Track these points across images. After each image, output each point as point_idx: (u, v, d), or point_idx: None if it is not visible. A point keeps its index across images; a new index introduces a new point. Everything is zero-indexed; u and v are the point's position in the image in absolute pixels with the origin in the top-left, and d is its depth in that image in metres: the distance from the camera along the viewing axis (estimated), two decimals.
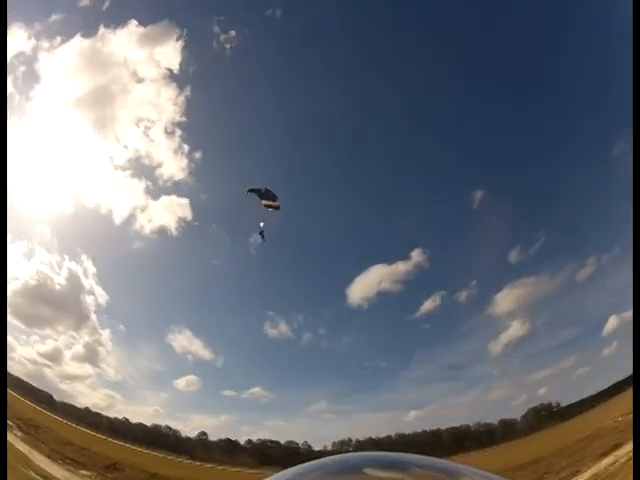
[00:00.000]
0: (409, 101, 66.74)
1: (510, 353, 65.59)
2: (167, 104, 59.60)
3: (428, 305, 61.50)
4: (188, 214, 60.46)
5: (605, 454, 24.72)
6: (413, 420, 61.64)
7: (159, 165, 60.10)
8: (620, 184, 65.33)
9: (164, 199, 61.17)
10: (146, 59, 58.34)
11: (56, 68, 55.55)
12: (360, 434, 61.82)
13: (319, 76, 64.95)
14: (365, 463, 3.83)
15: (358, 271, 63.50)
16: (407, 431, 60.96)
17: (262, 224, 32.60)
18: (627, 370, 61.93)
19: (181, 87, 58.69)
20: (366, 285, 62.20)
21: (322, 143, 67.14)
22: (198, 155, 61.00)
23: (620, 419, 34.33)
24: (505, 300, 64.50)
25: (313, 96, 66.43)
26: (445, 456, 50.83)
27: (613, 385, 58.39)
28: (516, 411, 66.00)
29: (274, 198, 31.28)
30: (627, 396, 46.78)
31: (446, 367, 71.57)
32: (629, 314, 59.77)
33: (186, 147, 59.98)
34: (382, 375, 66.26)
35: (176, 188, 61.15)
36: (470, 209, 62.62)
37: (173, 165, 60.84)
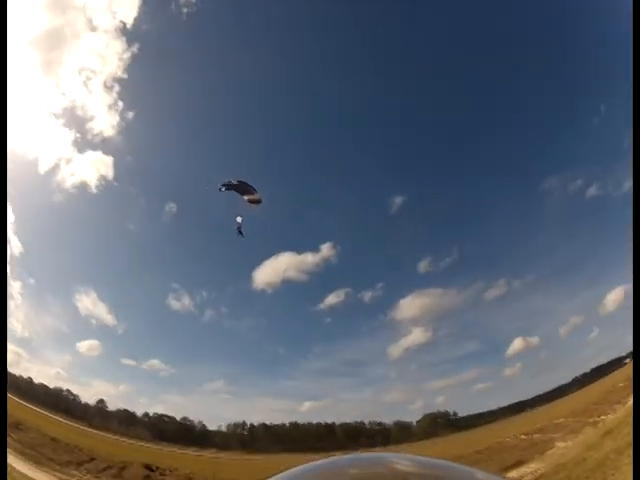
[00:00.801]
0: (334, 99, 66.68)
1: (409, 358, 66.64)
2: (113, 57, 57.39)
3: (332, 299, 62.00)
4: (110, 173, 58.81)
5: (505, 470, 22.54)
6: (307, 411, 62.00)
7: (91, 119, 58.19)
8: (541, 215, 68.76)
9: (89, 154, 59.15)
10: (104, 8, 56.30)
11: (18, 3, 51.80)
12: (255, 419, 62.13)
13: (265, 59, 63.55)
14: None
15: (267, 255, 63.82)
16: (301, 421, 61.47)
17: (239, 219, 29.78)
18: (529, 392, 66.14)
19: (130, 43, 56.67)
20: (272, 270, 62.16)
21: (253, 127, 66.86)
22: (131, 115, 59.04)
23: (523, 437, 32.21)
24: (409, 306, 66.07)
25: (255, 78, 63.36)
26: (338, 451, 50.28)
27: (515, 404, 60.16)
28: (412, 415, 67.86)
29: (253, 191, 28.39)
30: (530, 416, 48.57)
31: (344, 363, 72.37)
32: (536, 339, 65.71)
33: (121, 104, 58.28)
34: (280, 362, 66.92)
35: (103, 145, 59.12)
36: (388, 213, 63.87)
37: (105, 121, 59.09)
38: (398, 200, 61.34)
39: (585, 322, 72.65)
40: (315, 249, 61.32)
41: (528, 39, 63.16)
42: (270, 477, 3.12)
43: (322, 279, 63.32)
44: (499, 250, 68.39)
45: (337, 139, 69.67)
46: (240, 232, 30.10)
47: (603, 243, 74.89)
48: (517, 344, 60.95)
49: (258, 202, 28.48)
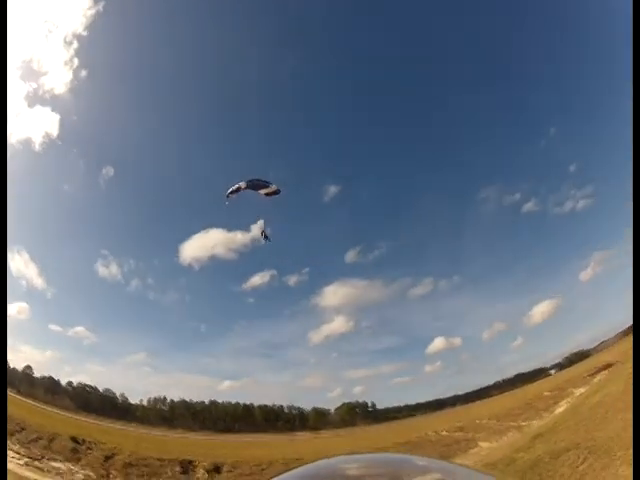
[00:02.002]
0: (278, 81, 67.22)
1: (330, 345, 67.66)
2: (77, 13, 55.21)
3: (257, 280, 62.07)
4: (55, 131, 56.41)
5: None
6: (227, 390, 61.71)
7: (45, 73, 55.72)
8: (475, 220, 71.14)
9: (38, 109, 56.53)
10: None
11: None
12: (175, 394, 61.28)
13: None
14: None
15: (196, 230, 63.36)
16: (220, 399, 60.87)
17: (262, 222, 27.86)
18: (449, 390, 68.24)
19: (96, 0, 54.42)
20: (201, 245, 61.39)
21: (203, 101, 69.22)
22: (84, 74, 56.56)
23: (444, 434, 31.51)
24: (334, 295, 66.43)
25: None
26: (257, 433, 52.21)
27: (434, 401, 61.17)
28: (330, 402, 67.69)
29: (267, 184, 25.91)
30: (450, 414, 49.18)
31: (264, 344, 72.42)
32: (458, 340, 68.13)
33: (76, 62, 55.61)
34: (201, 338, 66.67)
35: (53, 101, 56.80)
36: (321, 201, 64.17)
37: (58, 77, 58.29)
38: (333, 189, 62.29)
39: (509, 329, 76.08)
40: (245, 228, 60.04)
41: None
42: (273, 477, 2.96)
43: (249, 259, 62.98)
44: (429, 249, 69.77)
45: (276, 121, 70.93)
46: (266, 237, 27.21)
47: (535, 256, 78.77)
48: (438, 343, 62.74)
49: (276, 193, 25.77)
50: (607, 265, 66.86)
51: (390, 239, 65.55)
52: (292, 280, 63.12)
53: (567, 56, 64.81)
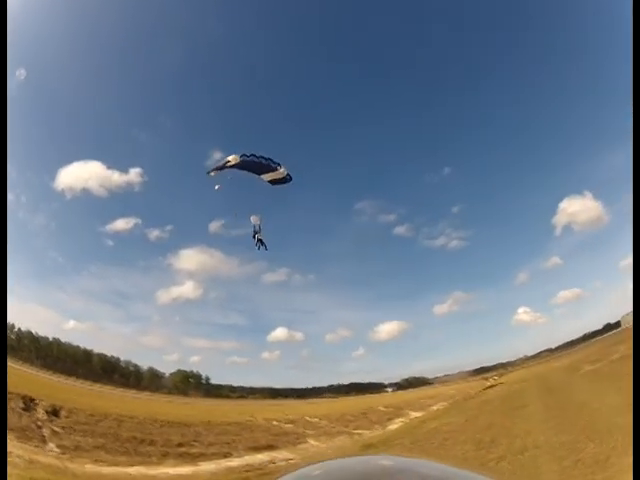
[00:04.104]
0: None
1: (176, 308, 68.35)
2: None
3: (120, 225, 62.28)
4: None
5: (255, 449, 20.72)
6: (71, 330, 59.84)
7: None
8: (345, 227, 79.59)
9: None
10: None
11: None
12: (24, 324, 57.20)
13: None
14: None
15: (79, 158, 61.65)
16: (64, 339, 57.28)
17: (257, 222, 19.43)
18: (284, 382, 70.09)
19: None
20: (77, 175, 59.88)
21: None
22: None
23: (275, 423, 31.03)
24: (189, 259, 69.59)
25: None
26: (94, 382, 49.47)
27: (268, 389, 62.22)
28: (166, 366, 66.96)
29: (272, 165, 18.55)
30: (282, 405, 49.53)
31: (115, 292, 73.23)
32: (300, 335, 71.04)
33: None
34: (58, 271, 67.92)
35: None
36: (202, 164, 64.21)
37: None
38: (217, 155, 61.42)
39: (353, 338, 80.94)
40: (124, 170, 60.23)
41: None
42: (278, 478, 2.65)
43: (118, 202, 63.77)
44: (291, 240, 74.48)
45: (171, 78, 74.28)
46: (261, 242, 19.87)
47: (396, 277, 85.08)
48: (281, 333, 64.53)
49: (285, 181, 19.07)
50: (464, 307, 74.99)
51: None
52: (154, 234, 64.15)
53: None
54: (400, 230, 70.78)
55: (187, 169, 69.11)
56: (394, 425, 29.98)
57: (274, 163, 18.68)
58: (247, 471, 15.53)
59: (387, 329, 70.73)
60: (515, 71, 75.77)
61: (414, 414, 35.01)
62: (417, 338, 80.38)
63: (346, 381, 70.04)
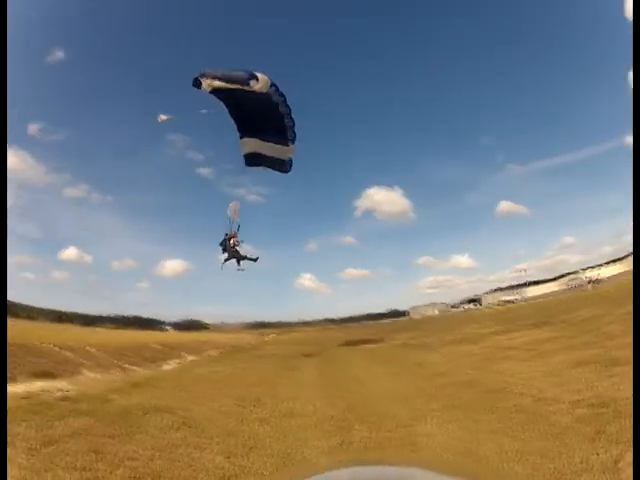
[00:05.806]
0: None
1: None
2: None
3: None
4: None
5: (35, 375, 18.87)
6: None
7: None
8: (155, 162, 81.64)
9: None
10: None
11: None
12: None
13: None
14: None
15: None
16: None
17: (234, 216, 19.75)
18: (71, 305, 65.07)
19: None
20: None
21: None
22: None
23: (54, 347, 28.62)
24: None
25: None
26: None
27: (54, 311, 61.00)
28: None
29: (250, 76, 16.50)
30: (71, 329, 45.25)
31: None
32: (89, 258, 68.45)
33: None
34: None
35: None
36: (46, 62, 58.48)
37: None
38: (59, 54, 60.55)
39: (138, 270, 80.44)
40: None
41: None
42: None
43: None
44: (97, 157, 71.96)
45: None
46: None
47: (186, 213, 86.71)
48: (72, 253, 60.20)
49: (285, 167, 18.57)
50: None
51: (74, 129, 65.77)
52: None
53: None
54: (204, 171, 72.14)
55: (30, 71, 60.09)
56: (168, 366, 30.20)
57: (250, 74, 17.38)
58: (23, 397, 14.52)
59: (172, 266, 70.89)
60: None
61: (190, 357, 36.15)
62: (199, 281, 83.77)
63: (128, 313, 68.57)
